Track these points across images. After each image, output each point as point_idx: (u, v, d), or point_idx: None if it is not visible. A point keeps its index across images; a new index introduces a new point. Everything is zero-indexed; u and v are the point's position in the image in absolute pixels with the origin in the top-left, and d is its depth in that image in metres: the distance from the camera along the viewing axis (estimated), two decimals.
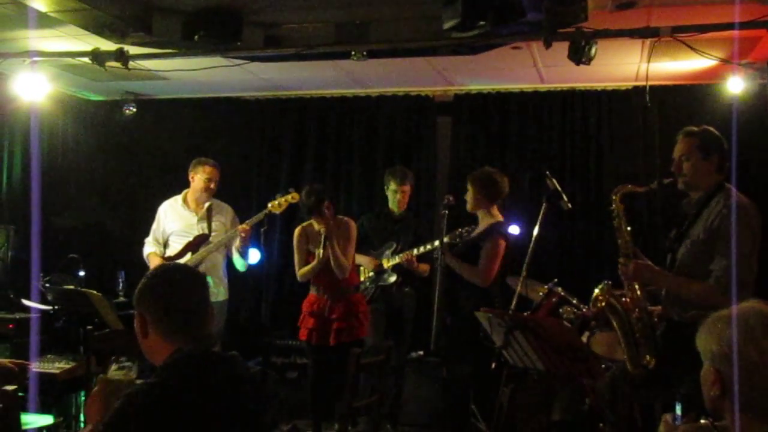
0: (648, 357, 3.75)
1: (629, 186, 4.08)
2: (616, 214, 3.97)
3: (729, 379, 1.91)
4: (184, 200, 6.05)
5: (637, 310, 3.83)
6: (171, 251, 5.95)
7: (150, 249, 6.05)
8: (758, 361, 1.88)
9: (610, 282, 3.95)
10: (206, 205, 5.97)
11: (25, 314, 5.63)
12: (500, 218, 5.31)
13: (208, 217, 5.93)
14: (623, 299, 3.86)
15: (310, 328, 5.46)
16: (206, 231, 5.89)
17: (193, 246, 5.81)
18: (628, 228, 3.95)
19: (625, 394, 4.08)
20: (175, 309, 2.31)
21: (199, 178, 5.95)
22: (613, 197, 3.99)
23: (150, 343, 2.34)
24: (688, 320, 3.65)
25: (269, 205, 5.71)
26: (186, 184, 6.08)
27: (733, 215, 3.58)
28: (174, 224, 6.01)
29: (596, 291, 3.91)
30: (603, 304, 3.87)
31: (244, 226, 5.79)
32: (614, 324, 3.89)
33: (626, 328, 3.83)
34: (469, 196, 5.29)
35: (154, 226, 6.11)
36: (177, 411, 2.12)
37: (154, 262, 5.88)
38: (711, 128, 3.89)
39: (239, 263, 6.00)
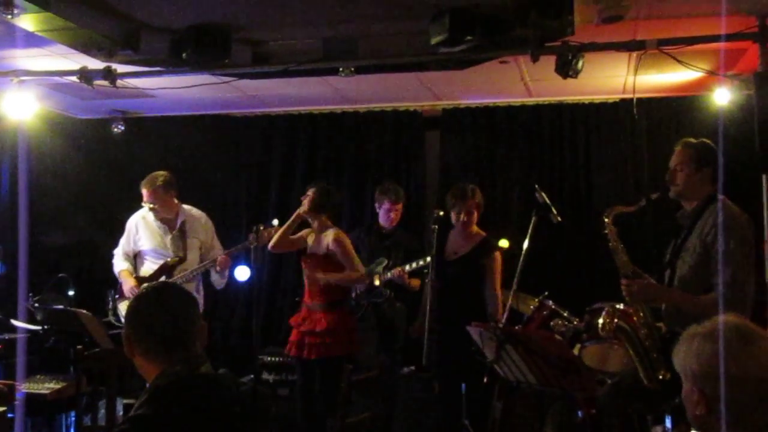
0: (663, 371, 3.72)
1: (619, 207, 4.07)
2: (610, 237, 3.94)
3: (713, 397, 1.89)
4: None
5: (645, 327, 3.81)
6: (145, 270, 5.84)
7: (122, 265, 5.88)
8: (739, 375, 1.87)
9: (613, 304, 3.88)
10: (179, 223, 5.84)
11: (13, 334, 5.59)
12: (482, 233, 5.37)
13: (183, 237, 5.81)
14: (632, 318, 3.81)
15: (291, 340, 5.42)
16: (180, 253, 5.77)
17: (167, 270, 5.70)
18: (623, 247, 3.93)
19: (621, 406, 4.07)
20: (156, 330, 2.29)
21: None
22: (606, 220, 3.97)
23: (138, 362, 2.34)
24: None
25: (250, 237, 5.58)
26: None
27: (734, 228, 3.60)
28: (146, 241, 5.86)
29: (600, 321, 3.81)
30: (611, 327, 3.78)
31: (223, 257, 5.73)
32: (626, 345, 3.82)
33: (638, 347, 3.78)
34: (473, 214, 5.31)
35: (123, 240, 5.96)
36: None
37: (127, 281, 5.76)
38: (708, 141, 3.93)
39: (217, 282, 5.95)
